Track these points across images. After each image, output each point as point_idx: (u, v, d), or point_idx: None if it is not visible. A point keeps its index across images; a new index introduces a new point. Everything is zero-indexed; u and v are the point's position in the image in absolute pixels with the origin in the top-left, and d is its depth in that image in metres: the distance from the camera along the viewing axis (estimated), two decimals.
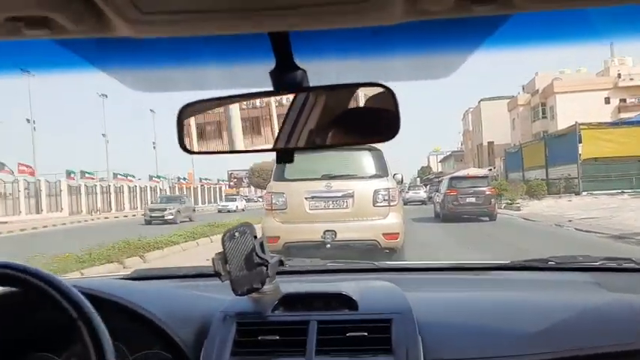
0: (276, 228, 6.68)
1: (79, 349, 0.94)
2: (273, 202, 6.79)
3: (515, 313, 1.24)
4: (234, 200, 43.43)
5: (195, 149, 0.97)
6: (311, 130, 0.91)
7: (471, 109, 66.38)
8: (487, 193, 16.68)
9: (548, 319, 1.16)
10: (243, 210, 38.38)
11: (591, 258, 1.75)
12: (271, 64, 0.81)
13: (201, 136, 0.99)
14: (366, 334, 1.10)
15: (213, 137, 0.99)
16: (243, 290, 1.13)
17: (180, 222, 24.24)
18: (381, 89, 0.88)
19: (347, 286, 1.27)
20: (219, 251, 1.14)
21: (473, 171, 29.73)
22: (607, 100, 44.12)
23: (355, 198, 6.65)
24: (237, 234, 1.14)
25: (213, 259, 1.14)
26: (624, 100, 44.11)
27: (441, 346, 1.11)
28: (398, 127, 0.88)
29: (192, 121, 0.96)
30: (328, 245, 6.47)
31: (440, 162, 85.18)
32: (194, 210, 31.03)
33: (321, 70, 0.92)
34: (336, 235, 6.51)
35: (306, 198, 6.68)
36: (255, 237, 1.16)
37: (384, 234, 6.55)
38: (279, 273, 1.29)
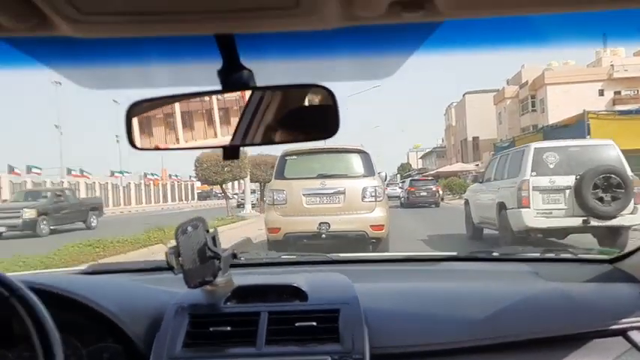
0: (277, 220, 7.44)
1: (29, 344, 0.95)
2: (275, 197, 7.50)
3: (459, 301, 1.28)
4: None
5: (143, 146, 0.97)
6: (256, 128, 0.95)
7: (454, 104, 63.86)
8: (434, 189, 25.97)
9: (489, 307, 1.22)
10: None
11: (532, 249, 1.99)
12: (219, 64, 0.84)
13: (150, 133, 0.99)
14: (314, 323, 1.13)
15: (161, 134, 1.00)
16: (195, 283, 1.14)
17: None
18: (321, 90, 0.92)
19: (298, 278, 1.30)
20: (173, 245, 1.14)
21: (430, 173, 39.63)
22: (601, 92, 41.81)
23: (346, 194, 7.38)
24: (189, 228, 1.15)
25: (166, 253, 1.14)
26: (619, 93, 41.86)
27: (387, 334, 1.15)
28: (337, 125, 0.92)
29: (140, 118, 0.97)
30: (323, 235, 7.20)
31: (420, 158, 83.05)
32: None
33: (268, 71, 0.96)
34: (329, 227, 7.19)
35: (303, 194, 7.40)
36: (208, 231, 1.16)
37: (371, 226, 7.24)
38: (233, 266, 1.35)
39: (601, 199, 7.22)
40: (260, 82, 0.87)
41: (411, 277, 1.65)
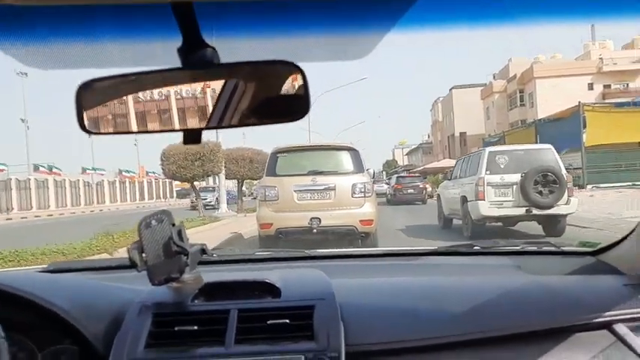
0: (269, 216, 7.65)
1: None
2: (267, 194, 7.70)
3: (438, 296, 1.25)
4: None
5: (96, 130, 0.92)
6: (219, 110, 0.91)
7: (441, 99, 62.65)
8: (421, 186, 25.46)
9: (469, 301, 1.18)
10: None
11: (513, 242, 1.84)
12: (179, 41, 0.79)
13: (102, 116, 0.93)
14: (287, 321, 1.09)
15: (115, 117, 0.93)
16: (160, 280, 1.09)
17: None
18: (291, 68, 0.87)
19: (271, 274, 1.26)
20: (136, 240, 1.10)
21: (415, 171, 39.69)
22: (590, 86, 40.82)
23: (337, 190, 7.57)
24: (153, 222, 1.09)
25: (128, 249, 1.09)
26: (609, 86, 40.92)
27: (365, 331, 1.11)
28: (308, 107, 0.88)
29: (92, 100, 0.92)
30: (315, 230, 7.37)
31: (406, 155, 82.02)
32: None
33: (233, 49, 0.91)
34: (320, 222, 7.39)
35: (294, 190, 7.59)
36: (174, 225, 1.11)
37: (360, 221, 7.48)
38: (204, 263, 1.36)
39: (540, 193, 8.80)
40: (223, 60, 0.82)
41: (390, 272, 1.60)
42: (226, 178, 20.72)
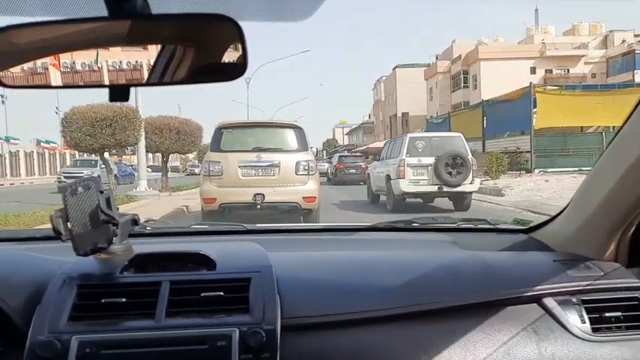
0: (213, 191, 7.73)
1: None
2: (211, 169, 7.77)
3: (376, 270, 1.26)
4: None
5: (8, 82, 0.87)
6: (149, 65, 0.86)
7: (384, 78, 61.56)
8: (363, 166, 23.74)
9: (405, 275, 1.20)
10: None
11: (451, 219, 1.84)
12: None
13: (17, 67, 0.86)
14: (222, 293, 1.07)
15: (32, 69, 0.87)
16: (86, 250, 1.04)
17: None
18: (228, 23, 0.82)
19: (207, 246, 1.23)
20: (60, 207, 1.04)
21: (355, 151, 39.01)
22: (533, 70, 40.75)
23: (281, 167, 7.75)
24: (80, 188, 1.04)
25: (51, 217, 1.03)
26: (550, 71, 41.02)
27: (302, 304, 1.10)
28: (245, 65, 0.84)
29: (5, 49, 0.84)
30: (258, 206, 7.53)
31: (347, 134, 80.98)
32: None
33: (165, 1, 0.85)
34: (264, 198, 7.56)
35: (239, 166, 7.69)
36: (102, 192, 1.05)
37: (303, 197, 7.70)
38: (137, 235, 1.35)
39: (450, 173, 10.34)
40: (155, 11, 0.77)
41: (329, 246, 1.60)
42: (148, 151, 18.30)
